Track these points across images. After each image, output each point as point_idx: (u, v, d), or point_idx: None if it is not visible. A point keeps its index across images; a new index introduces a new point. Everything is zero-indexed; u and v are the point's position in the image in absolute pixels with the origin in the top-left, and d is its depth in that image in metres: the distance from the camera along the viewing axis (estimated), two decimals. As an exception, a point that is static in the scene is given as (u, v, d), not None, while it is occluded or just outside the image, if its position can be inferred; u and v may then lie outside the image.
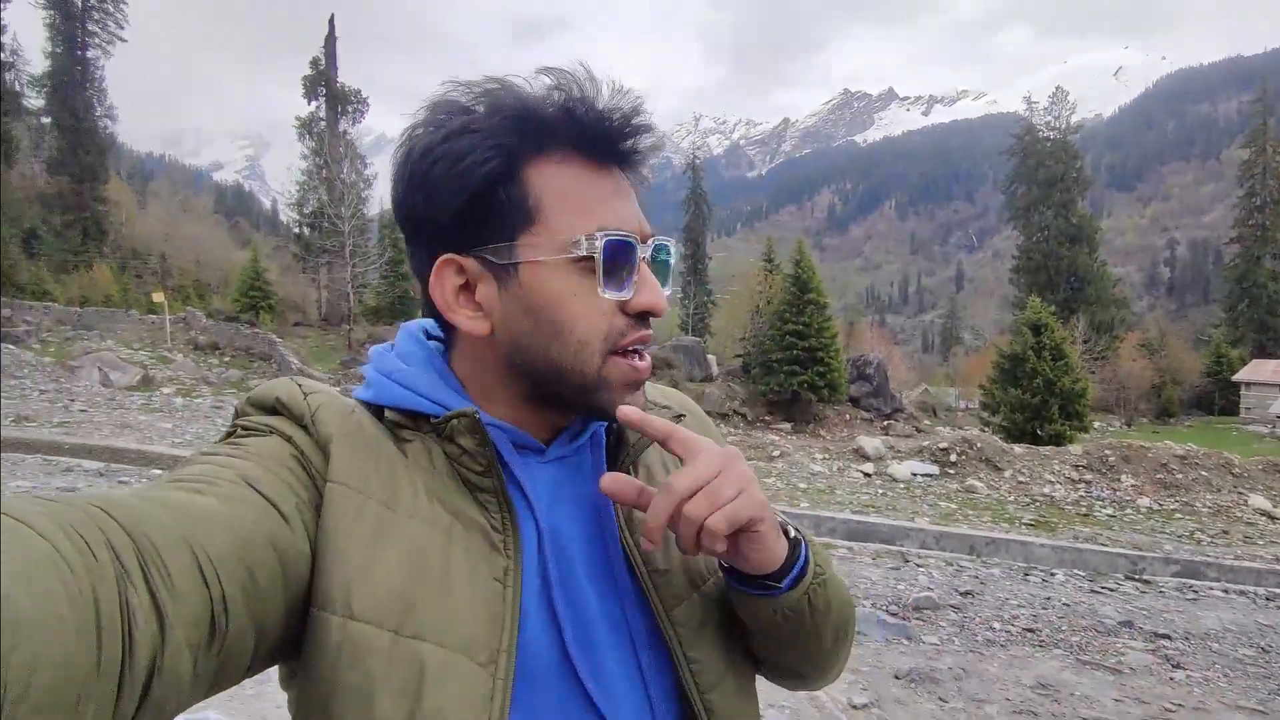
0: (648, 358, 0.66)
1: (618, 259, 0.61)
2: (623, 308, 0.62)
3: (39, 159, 37.96)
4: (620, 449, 0.71)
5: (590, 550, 0.65)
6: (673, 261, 0.69)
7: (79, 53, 37.97)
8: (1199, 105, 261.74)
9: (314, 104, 33.48)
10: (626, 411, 0.60)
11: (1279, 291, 56.02)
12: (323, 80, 33.40)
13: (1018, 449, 12.29)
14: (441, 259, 0.63)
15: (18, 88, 37.13)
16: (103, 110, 39.46)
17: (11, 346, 16.81)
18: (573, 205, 0.61)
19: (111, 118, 40.64)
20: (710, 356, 25.57)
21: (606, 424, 0.71)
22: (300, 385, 0.64)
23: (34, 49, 37.74)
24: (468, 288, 0.64)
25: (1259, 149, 60.23)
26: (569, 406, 0.66)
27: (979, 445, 12.08)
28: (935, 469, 11.48)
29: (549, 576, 0.62)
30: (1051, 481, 10.99)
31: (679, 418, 0.75)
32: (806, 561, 0.65)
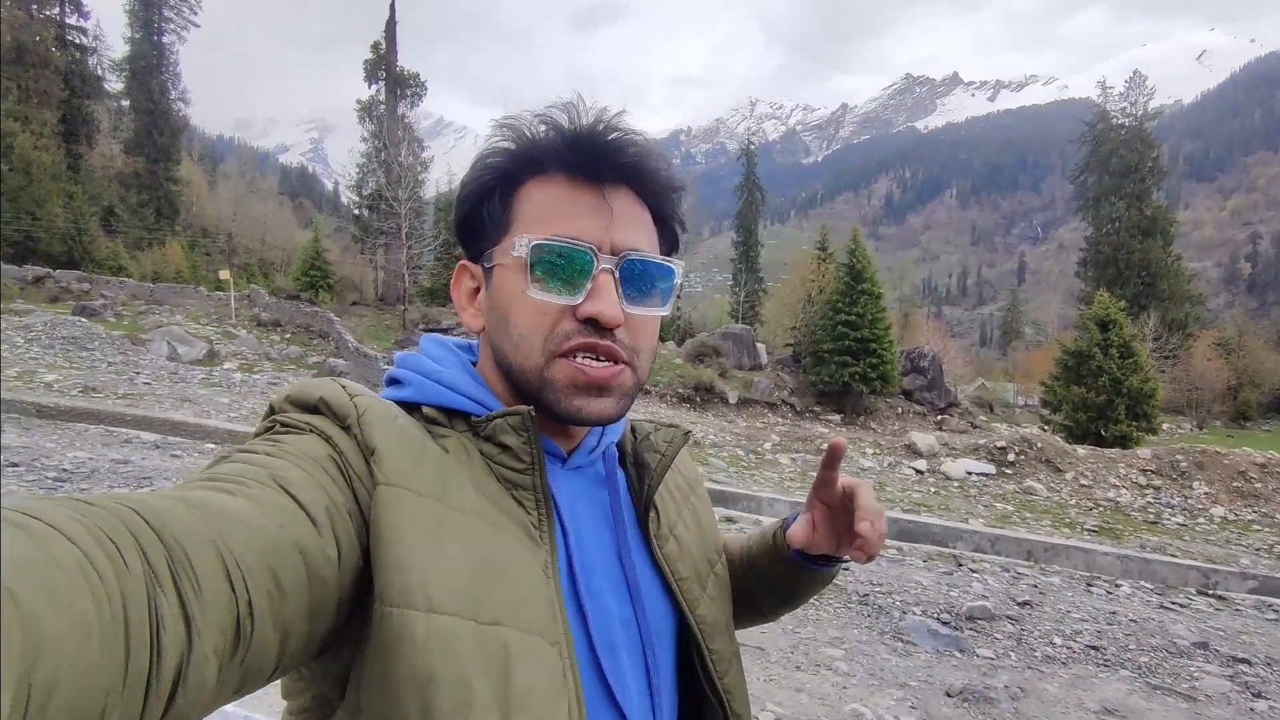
0: (610, 365, 0.67)
1: (559, 265, 0.66)
2: (575, 313, 0.67)
3: (118, 140, 39.59)
4: (642, 471, 0.79)
5: (606, 556, 0.71)
6: (674, 283, 0.72)
7: (156, 38, 39.42)
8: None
9: (374, 88, 33.95)
10: (838, 441, 0.75)
11: (1374, 291, 52.49)
12: (383, 64, 33.82)
13: (1080, 450, 11.77)
14: (459, 264, 0.76)
15: (99, 72, 38.73)
16: (177, 94, 41.04)
17: (83, 319, 17.56)
18: (539, 217, 0.68)
19: (185, 101, 42.24)
20: (760, 345, 25.22)
21: (618, 441, 0.79)
22: (345, 387, 0.65)
23: (115, 35, 39.21)
24: (477, 291, 0.74)
25: (1357, 138, 56.37)
26: (535, 404, 0.69)
27: (1039, 445, 11.60)
28: (991, 468, 11.07)
29: (575, 574, 0.67)
30: (1117, 486, 10.49)
31: (686, 434, 0.84)
32: None
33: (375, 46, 33.96)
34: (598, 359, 0.67)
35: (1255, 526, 9.03)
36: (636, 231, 0.69)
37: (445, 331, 27.36)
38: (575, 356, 0.66)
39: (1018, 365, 53.11)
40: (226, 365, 16.34)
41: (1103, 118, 55.49)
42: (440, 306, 30.46)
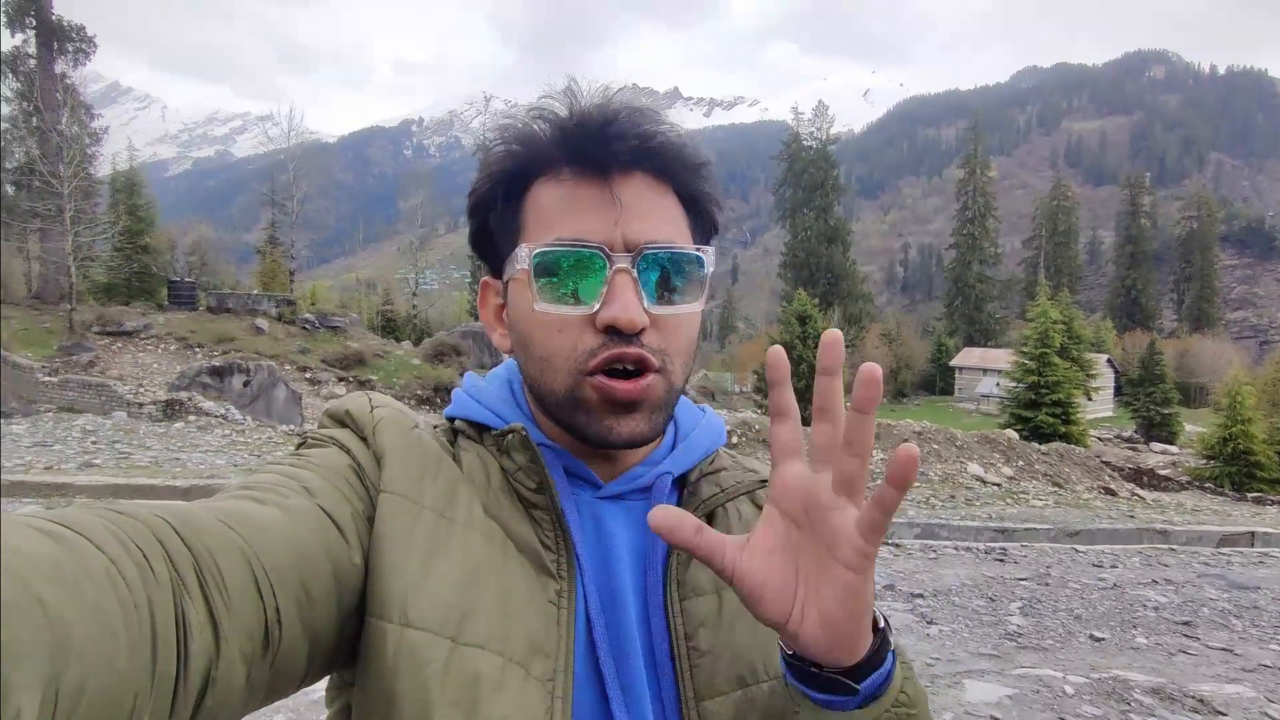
0: (637, 379, 0.60)
1: (565, 271, 0.60)
2: (595, 323, 0.60)
3: None
4: (691, 501, 0.69)
5: (640, 604, 0.63)
6: (705, 272, 0.65)
7: None
8: (927, 129, 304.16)
9: (19, 37, 27.68)
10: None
11: (984, 291, 67.26)
12: (32, 8, 27.68)
13: (789, 430, 13.38)
14: (482, 280, 0.71)
15: None
16: None
17: None
18: (545, 220, 0.62)
19: None
20: (502, 343, 25.06)
21: (675, 475, 0.69)
22: (370, 399, 0.67)
23: None
24: (503, 308, 0.69)
25: (970, 170, 71.71)
26: (567, 428, 0.65)
27: (756, 427, 12.98)
28: (719, 451, 12.15)
29: (591, 614, 0.60)
30: (817, 459, 12.11)
31: (762, 482, 0.72)
32: (891, 673, 0.52)
33: (20, -14, 27.67)
34: (627, 372, 0.60)
35: (916, 483, 11.00)
36: (656, 221, 0.62)
37: (129, 335, 23.23)
38: (605, 373, 0.60)
39: (734, 356, 59.26)
40: None
41: (795, 139, 63.84)
42: (123, 305, 25.85)
